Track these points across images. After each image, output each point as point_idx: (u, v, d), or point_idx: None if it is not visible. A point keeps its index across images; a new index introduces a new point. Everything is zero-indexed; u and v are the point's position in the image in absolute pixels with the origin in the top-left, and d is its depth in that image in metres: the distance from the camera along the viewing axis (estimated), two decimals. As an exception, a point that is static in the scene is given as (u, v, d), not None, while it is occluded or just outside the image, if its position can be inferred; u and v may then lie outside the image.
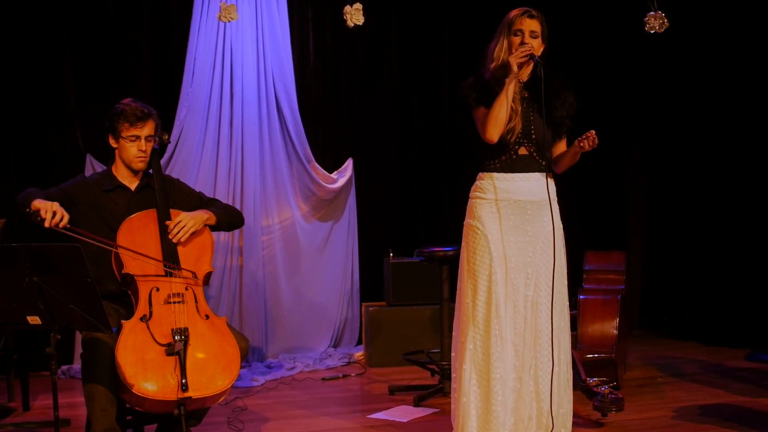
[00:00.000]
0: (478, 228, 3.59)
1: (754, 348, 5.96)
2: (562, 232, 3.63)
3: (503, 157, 3.57)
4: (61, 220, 3.37)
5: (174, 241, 3.60)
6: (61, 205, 3.45)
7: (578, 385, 4.50)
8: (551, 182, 3.64)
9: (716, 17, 6.34)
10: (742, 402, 4.67)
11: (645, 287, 7.07)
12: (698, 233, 6.55)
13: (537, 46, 3.52)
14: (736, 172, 6.29)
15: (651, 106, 6.97)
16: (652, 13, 5.75)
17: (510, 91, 3.48)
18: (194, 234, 3.67)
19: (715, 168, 6.42)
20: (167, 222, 3.63)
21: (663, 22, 5.74)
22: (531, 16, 3.53)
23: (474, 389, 3.56)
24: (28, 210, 3.38)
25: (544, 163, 3.57)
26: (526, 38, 3.50)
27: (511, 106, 3.51)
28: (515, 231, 3.56)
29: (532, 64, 3.53)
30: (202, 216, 3.72)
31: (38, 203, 3.39)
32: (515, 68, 3.45)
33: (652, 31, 5.80)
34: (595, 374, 4.64)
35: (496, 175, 3.59)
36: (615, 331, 4.97)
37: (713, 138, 6.42)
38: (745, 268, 6.24)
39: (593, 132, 3.42)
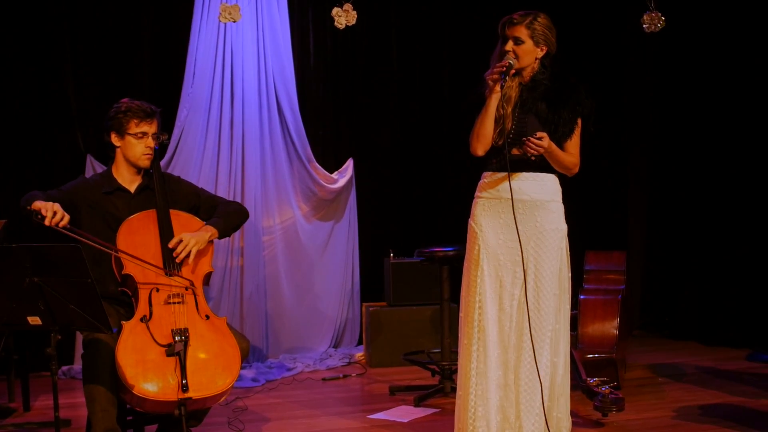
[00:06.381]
0: (473, 226, 3.64)
1: (754, 348, 5.96)
2: (561, 233, 3.59)
3: (499, 157, 3.58)
4: (62, 219, 3.37)
5: (177, 261, 3.60)
6: (63, 206, 3.45)
7: (579, 385, 4.51)
8: (552, 182, 3.61)
9: (715, 16, 6.33)
10: (743, 402, 4.67)
11: (645, 287, 7.06)
12: (699, 233, 6.55)
13: (523, 52, 3.52)
14: (737, 172, 6.29)
15: (651, 106, 6.97)
16: (649, 12, 5.77)
17: (491, 106, 3.51)
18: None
19: (715, 168, 6.42)
20: (170, 244, 3.61)
21: (660, 21, 5.75)
22: (511, 23, 3.54)
23: (461, 383, 3.62)
24: (28, 208, 3.39)
25: (538, 161, 3.54)
26: (508, 45, 3.52)
27: (500, 109, 3.52)
28: (505, 229, 3.57)
29: (537, 67, 3.56)
30: (203, 236, 3.69)
31: (39, 203, 3.39)
32: (490, 83, 3.49)
33: (649, 31, 5.82)
34: (596, 374, 4.64)
35: (490, 174, 3.62)
36: (615, 331, 4.97)
37: (713, 138, 6.42)
38: (745, 269, 6.24)
39: (531, 138, 3.41)
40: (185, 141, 5.76)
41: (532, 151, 3.44)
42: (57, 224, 3.36)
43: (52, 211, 3.36)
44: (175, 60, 5.84)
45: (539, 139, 3.41)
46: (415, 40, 6.64)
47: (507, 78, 3.49)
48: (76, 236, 3.41)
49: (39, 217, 3.35)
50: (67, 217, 3.39)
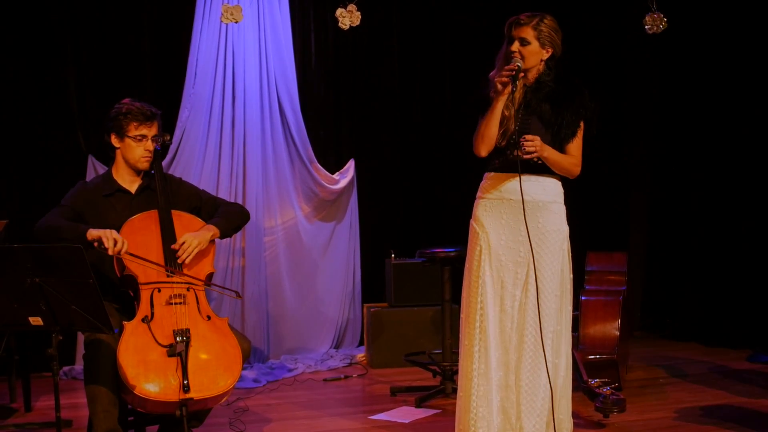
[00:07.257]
0: (474, 227, 3.64)
1: (755, 349, 5.96)
2: (563, 235, 3.59)
3: (501, 158, 3.59)
4: (123, 245, 3.46)
5: (179, 262, 3.60)
6: (70, 219, 3.56)
7: (580, 386, 4.50)
8: (554, 184, 3.61)
9: (715, 17, 6.33)
10: (744, 403, 4.67)
11: (646, 288, 7.06)
12: (700, 234, 6.55)
13: (529, 53, 3.53)
14: (738, 173, 6.29)
15: (652, 107, 6.97)
16: (651, 13, 5.77)
17: (497, 108, 3.51)
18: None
19: (716, 169, 6.42)
20: (173, 246, 3.62)
21: (662, 23, 5.75)
22: (518, 24, 3.54)
23: (462, 384, 3.62)
24: (88, 242, 3.46)
25: (540, 164, 3.55)
26: (515, 46, 3.52)
27: (504, 110, 3.52)
28: (507, 230, 3.58)
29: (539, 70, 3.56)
30: (205, 235, 3.69)
31: (95, 232, 3.47)
32: (499, 87, 3.48)
33: (651, 32, 5.82)
34: (597, 375, 4.64)
35: (493, 174, 3.63)
36: (617, 332, 4.97)
37: (714, 139, 6.42)
38: (746, 269, 6.24)
39: (524, 140, 3.43)
40: (187, 141, 5.76)
41: (530, 148, 3.44)
42: (119, 252, 3.45)
43: (112, 240, 3.45)
44: (176, 60, 5.84)
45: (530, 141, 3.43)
46: (416, 41, 6.64)
47: (517, 81, 3.48)
48: (135, 262, 3.51)
49: (102, 248, 3.45)
50: (127, 244, 3.48)
